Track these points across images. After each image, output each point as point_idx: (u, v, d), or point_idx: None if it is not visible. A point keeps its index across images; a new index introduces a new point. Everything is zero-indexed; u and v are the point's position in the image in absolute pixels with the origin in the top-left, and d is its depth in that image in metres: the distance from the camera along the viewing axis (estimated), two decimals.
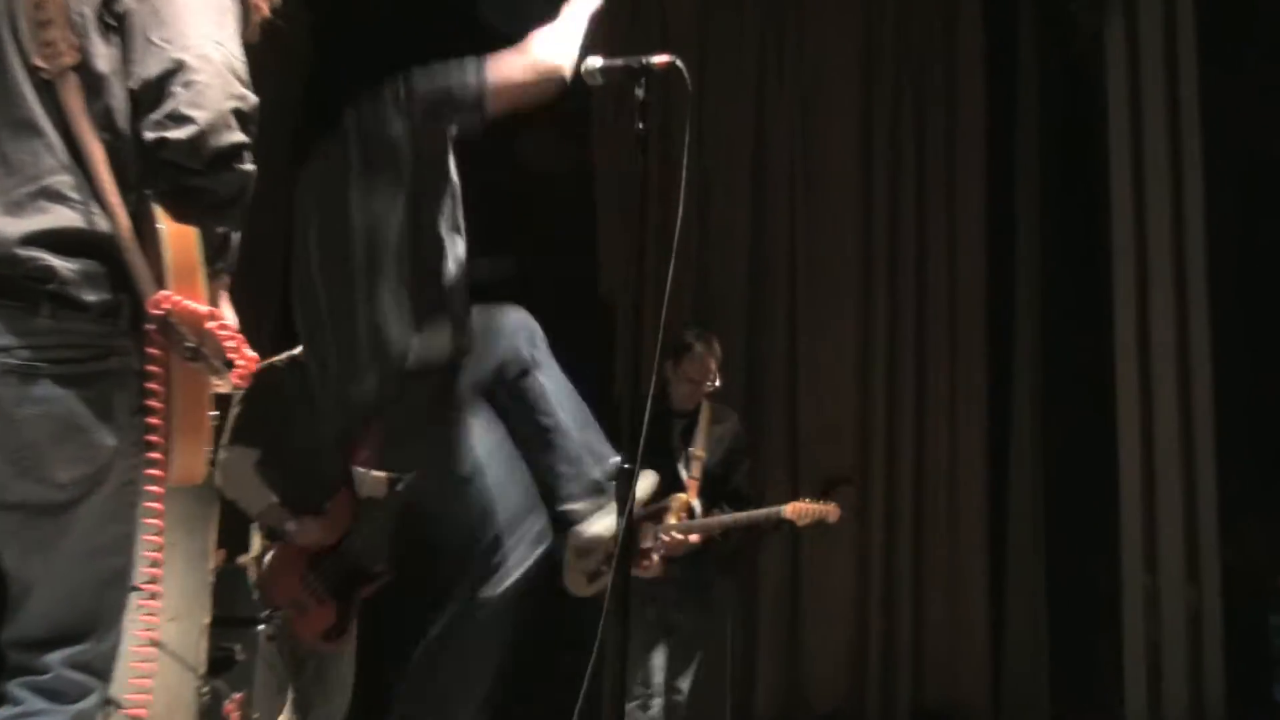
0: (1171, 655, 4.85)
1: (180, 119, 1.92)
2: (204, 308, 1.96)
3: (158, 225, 1.99)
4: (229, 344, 1.97)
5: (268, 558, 4.18)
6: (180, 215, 2.00)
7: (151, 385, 1.95)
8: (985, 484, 5.42)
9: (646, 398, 2.74)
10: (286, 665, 4.23)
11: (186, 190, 1.96)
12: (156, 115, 1.94)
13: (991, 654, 5.32)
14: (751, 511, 4.48)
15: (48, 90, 1.98)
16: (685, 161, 3.20)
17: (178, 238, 1.99)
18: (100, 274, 1.96)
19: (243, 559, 4.90)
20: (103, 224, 1.96)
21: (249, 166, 1.99)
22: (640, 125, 2.87)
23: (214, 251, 2.04)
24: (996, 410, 5.46)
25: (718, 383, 4.60)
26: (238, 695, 4.98)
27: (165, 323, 1.94)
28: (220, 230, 2.07)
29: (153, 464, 1.97)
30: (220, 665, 5.10)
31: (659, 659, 4.53)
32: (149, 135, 1.93)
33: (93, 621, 2.01)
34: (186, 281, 1.98)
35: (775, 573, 5.53)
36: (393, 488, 4.33)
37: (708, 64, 5.75)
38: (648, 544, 4.35)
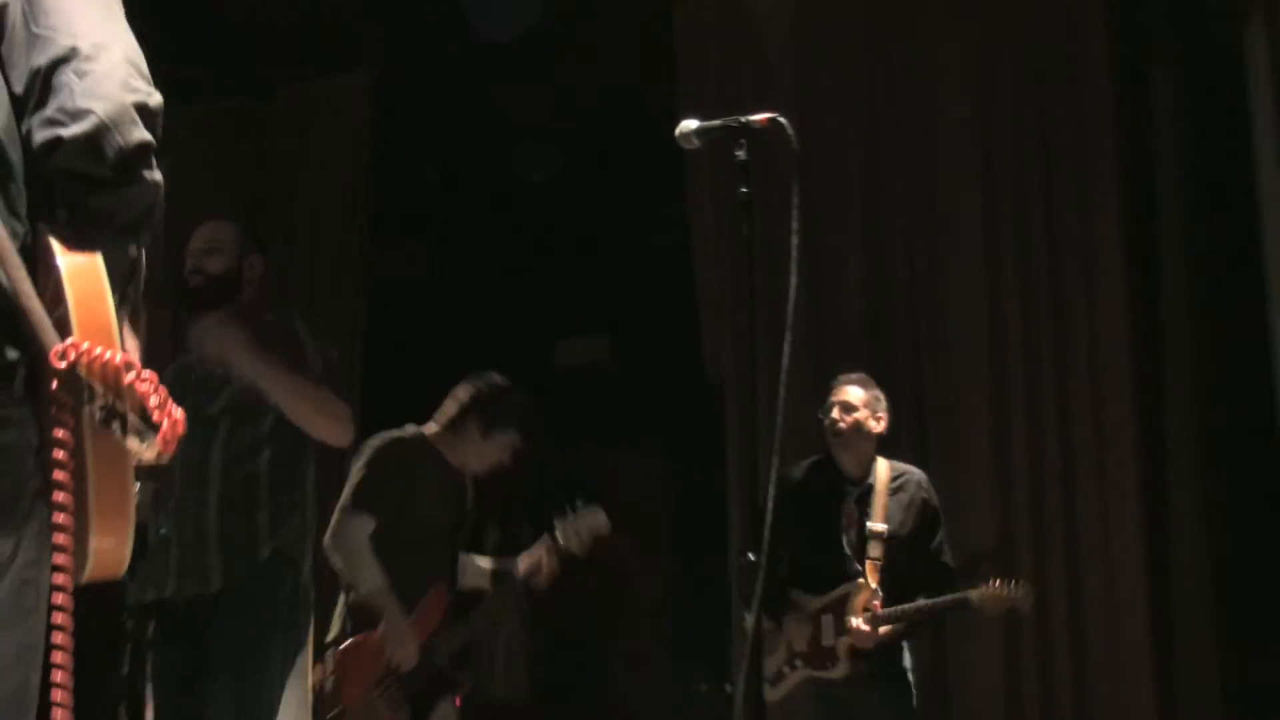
0: None
1: (76, 114, 1.67)
2: (119, 356, 1.63)
3: (56, 260, 1.67)
4: (152, 400, 1.65)
5: (343, 645, 4.11)
6: (84, 243, 1.70)
7: (59, 455, 1.62)
8: (1145, 563, 5.14)
9: (768, 490, 2.72)
10: None
11: (90, 214, 1.70)
12: (47, 112, 1.68)
13: None
14: (936, 600, 4.16)
15: None
16: (795, 225, 3.06)
17: (80, 273, 1.67)
18: None
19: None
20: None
21: (157, 175, 1.75)
22: (744, 191, 2.91)
23: (122, 279, 1.75)
24: (1152, 487, 5.18)
25: (872, 425, 4.31)
26: None
27: (73, 379, 1.60)
28: (132, 254, 1.78)
29: (59, 560, 1.63)
30: None
31: None
32: (40, 136, 1.68)
33: None
34: (95, 327, 1.64)
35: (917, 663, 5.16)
36: (497, 580, 4.50)
37: (808, 115, 5.66)
38: (828, 641, 4.20)
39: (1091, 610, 5.19)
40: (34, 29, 1.75)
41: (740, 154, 2.88)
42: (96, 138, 1.68)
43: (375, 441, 4.25)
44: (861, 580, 4.17)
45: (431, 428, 4.33)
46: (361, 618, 4.11)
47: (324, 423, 3.43)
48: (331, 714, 4.06)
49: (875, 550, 4.19)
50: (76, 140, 1.67)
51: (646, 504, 6.68)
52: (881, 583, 4.16)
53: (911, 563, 4.21)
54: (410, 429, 4.32)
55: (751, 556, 2.88)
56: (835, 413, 4.30)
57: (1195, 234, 5.14)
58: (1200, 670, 4.97)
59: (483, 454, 4.34)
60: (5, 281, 1.64)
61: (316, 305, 6.51)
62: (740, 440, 5.46)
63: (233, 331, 3.36)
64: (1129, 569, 5.13)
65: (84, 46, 1.73)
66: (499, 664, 5.17)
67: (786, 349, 2.88)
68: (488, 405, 4.34)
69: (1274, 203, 4.75)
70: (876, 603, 4.13)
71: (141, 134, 1.73)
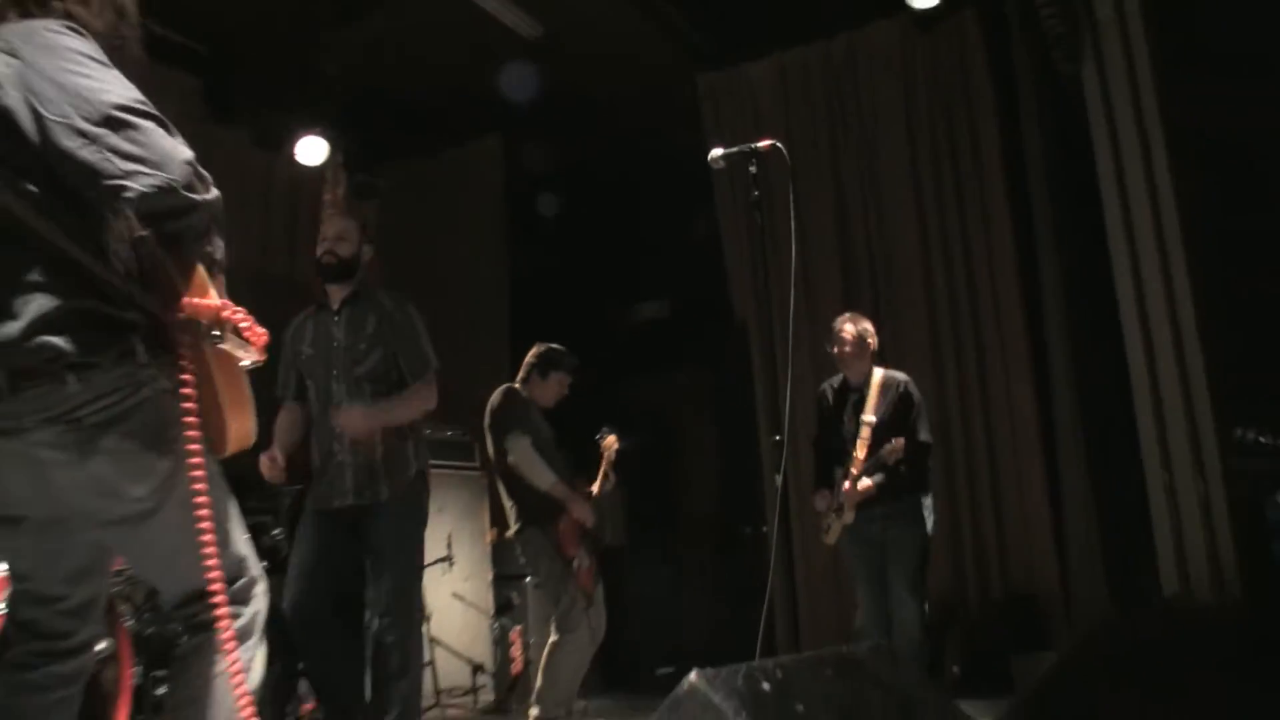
0: (1191, 536, 4.56)
1: (133, 174, 1.69)
2: (217, 301, 1.81)
3: (168, 266, 1.82)
4: (244, 325, 1.82)
5: (562, 525, 4.38)
6: (183, 256, 1.81)
7: (185, 367, 1.77)
8: (1036, 416, 5.43)
9: (786, 397, 2.85)
10: (552, 600, 4.45)
11: (174, 235, 1.79)
12: (116, 174, 1.69)
13: (1056, 548, 5.29)
14: (886, 469, 4.18)
15: None
16: (793, 215, 3.26)
17: (181, 259, 1.84)
18: (101, 331, 1.76)
19: (509, 534, 5.11)
20: (90, 287, 1.75)
21: (211, 194, 1.80)
22: (756, 193, 2.98)
23: (207, 260, 1.88)
24: (1037, 366, 5.48)
25: (862, 349, 4.32)
26: (518, 627, 5.42)
27: (189, 322, 1.78)
28: (208, 248, 1.86)
29: (195, 450, 1.78)
30: (504, 608, 5.54)
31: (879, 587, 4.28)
32: (126, 195, 1.70)
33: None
34: (198, 288, 1.82)
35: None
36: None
37: (793, 142, 5.82)
38: (840, 498, 4.28)
39: (999, 429, 5.45)
40: (48, 117, 1.71)
41: (752, 169, 2.94)
42: (168, 186, 1.70)
43: (498, 395, 4.52)
44: (855, 454, 4.30)
45: (516, 384, 4.60)
46: (535, 508, 4.36)
47: (421, 409, 3.65)
48: (571, 562, 4.37)
49: (865, 434, 4.29)
50: (154, 192, 1.70)
51: (698, 409, 6.81)
52: (868, 455, 4.25)
53: (888, 436, 4.26)
54: (505, 385, 4.58)
55: (777, 437, 2.91)
56: (835, 346, 4.43)
57: (1059, 214, 5.35)
58: (1076, 479, 5.09)
59: (546, 391, 4.57)
60: (117, 295, 1.76)
61: (474, 299, 6.63)
62: (761, 363, 5.75)
63: (360, 419, 3.52)
64: (1024, 411, 5.40)
65: (112, 113, 1.69)
66: (605, 519, 5.34)
67: (792, 300, 3.27)
68: (542, 358, 4.59)
69: (1110, 190, 4.86)
70: (858, 472, 4.24)
71: (189, 169, 1.73)
